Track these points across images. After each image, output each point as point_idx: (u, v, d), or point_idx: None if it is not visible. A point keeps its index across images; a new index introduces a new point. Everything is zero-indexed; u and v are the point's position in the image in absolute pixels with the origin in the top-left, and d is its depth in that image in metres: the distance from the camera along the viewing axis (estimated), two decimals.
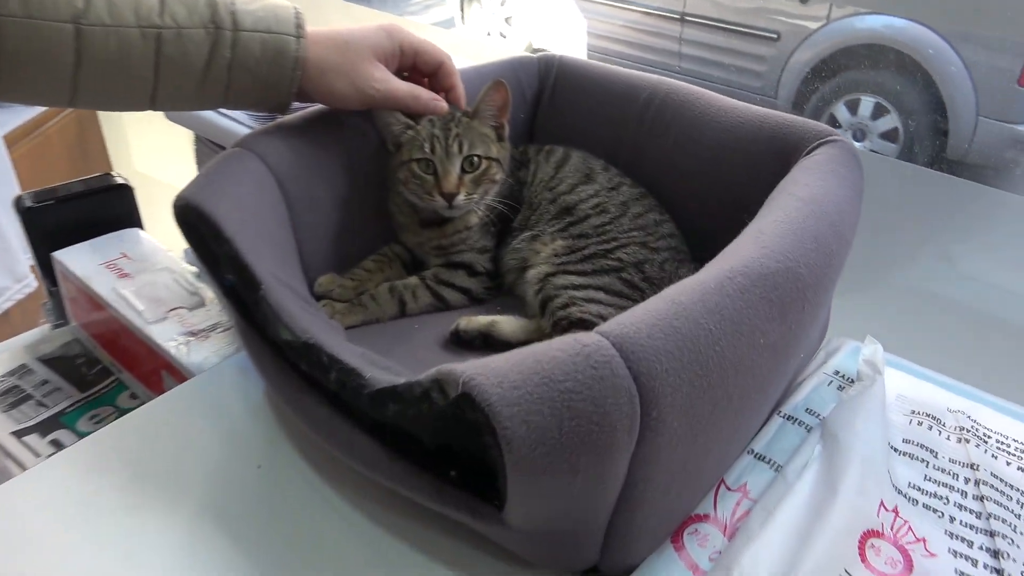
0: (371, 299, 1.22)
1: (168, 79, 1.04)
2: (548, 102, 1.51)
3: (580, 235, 1.23)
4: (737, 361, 0.77)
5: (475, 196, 1.22)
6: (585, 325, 1.10)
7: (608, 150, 1.42)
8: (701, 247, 1.33)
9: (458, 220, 1.28)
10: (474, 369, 0.69)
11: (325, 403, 0.94)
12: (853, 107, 4.23)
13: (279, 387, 0.99)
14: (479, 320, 1.18)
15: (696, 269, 1.27)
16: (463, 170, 1.20)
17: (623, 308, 1.19)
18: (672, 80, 1.37)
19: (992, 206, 1.44)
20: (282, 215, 1.13)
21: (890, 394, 1.09)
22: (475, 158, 1.21)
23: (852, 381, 1.14)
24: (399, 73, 1.23)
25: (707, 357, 0.73)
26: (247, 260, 0.98)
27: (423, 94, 1.21)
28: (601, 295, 1.15)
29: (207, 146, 1.66)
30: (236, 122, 1.57)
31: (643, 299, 1.19)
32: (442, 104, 1.23)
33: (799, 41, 4.42)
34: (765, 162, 1.21)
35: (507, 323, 1.18)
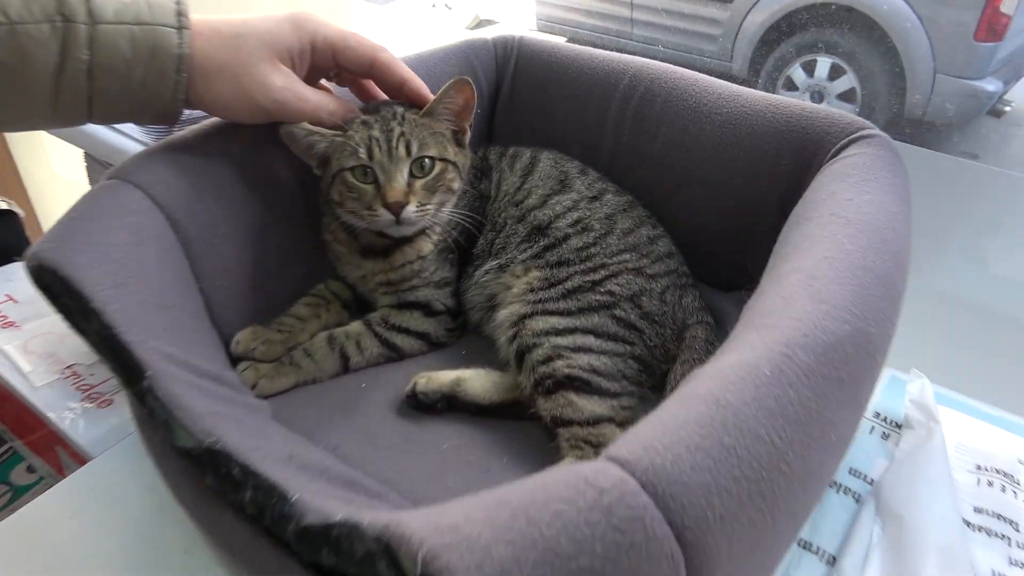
0: (304, 355, 0.98)
1: (2, 91, 0.77)
2: (509, 94, 1.26)
3: (559, 262, 1.00)
4: (806, 475, 0.55)
5: (429, 208, 0.97)
6: (576, 385, 0.87)
7: (585, 151, 1.19)
8: (702, 266, 1.12)
9: (408, 248, 1.03)
10: (438, 535, 0.46)
11: (245, 522, 0.70)
12: (810, 69, 4.13)
13: (185, 499, 0.75)
14: (441, 378, 0.94)
15: (700, 297, 1.04)
16: (412, 175, 0.96)
17: (620, 356, 0.93)
18: (658, 63, 1.14)
19: None
20: (177, 263, 0.87)
21: (948, 443, 0.90)
22: (426, 160, 0.96)
23: (898, 426, 0.95)
24: (316, 76, 0.97)
25: (772, 484, 0.52)
26: (124, 339, 0.73)
27: (340, 108, 0.95)
28: (591, 340, 0.92)
29: (99, 166, 1.36)
30: (127, 137, 1.26)
31: (643, 342, 0.95)
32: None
33: (752, 3, 4.26)
34: (780, 162, 1.00)
35: (475, 380, 0.95)
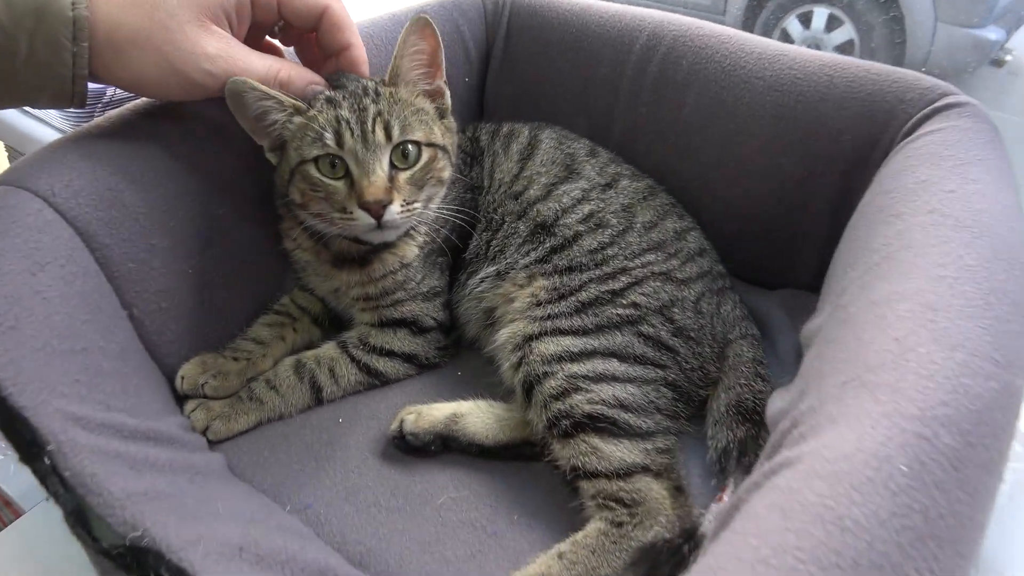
0: (267, 387, 0.80)
1: None
2: (501, 60, 1.06)
3: (569, 268, 0.82)
4: None
5: (416, 206, 0.77)
6: (599, 426, 0.71)
7: (594, 127, 1.00)
8: (739, 260, 0.94)
9: (388, 255, 0.84)
10: None
11: None
12: (806, 20, 3.96)
13: None
14: (433, 415, 0.78)
15: (740, 303, 0.85)
16: (394, 166, 0.76)
17: (651, 383, 0.75)
18: (682, 17, 0.94)
19: None
20: (92, 290, 0.69)
21: None
22: (410, 146, 0.76)
23: None
24: (259, 35, 0.78)
25: None
26: (15, 403, 0.56)
27: (294, 73, 0.76)
28: (614, 365, 0.75)
29: (16, 155, 1.14)
30: (46, 125, 1.04)
31: (677, 364, 0.77)
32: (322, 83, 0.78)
33: None
34: (840, 137, 0.82)
35: (475, 416, 0.78)
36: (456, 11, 1.03)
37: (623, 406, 0.72)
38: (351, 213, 0.74)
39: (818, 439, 0.45)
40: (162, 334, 0.77)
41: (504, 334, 0.81)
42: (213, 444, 0.77)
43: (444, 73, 0.81)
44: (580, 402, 0.72)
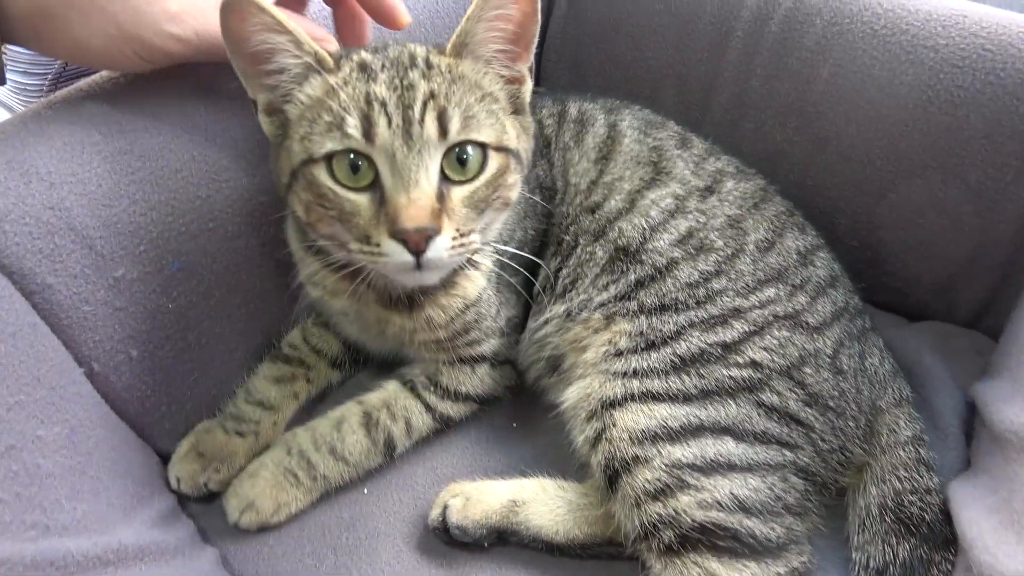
0: (330, 457, 0.63)
1: None
2: (566, 13, 0.83)
3: (662, 306, 0.62)
4: None
5: (474, 239, 0.55)
6: (718, 545, 0.52)
7: (685, 99, 0.79)
8: (875, 282, 0.74)
9: (443, 297, 0.63)
10: None
11: None
12: None
13: None
14: (487, 503, 0.60)
15: (886, 352, 0.65)
16: (445, 177, 0.53)
17: (775, 472, 0.54)
18: None
19: None
20: (31, 350, 0.50)
21: None
22: (471, 149, 0.53)
23: None
24: None
25: None
26: None
27: (304, 30, 0.53)
28: (730, 447, 0.56)
29: None
30: None
31: (811, 444, 0.57)
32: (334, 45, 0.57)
33: None
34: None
35: (541, 504, 0.61)
36: None
37: (744, 508, 0.54)
38: (378, 245, 0.52)
39: None
40: (133, 389, 0.60)
41: (574, 393, 0.62)
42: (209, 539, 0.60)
43: (533, 54, 0.57)
44: (688, 506, 0.53)
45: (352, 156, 0.52)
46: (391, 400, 0.66)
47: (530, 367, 0.70)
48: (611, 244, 0.66)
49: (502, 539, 0.60)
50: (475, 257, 0.61)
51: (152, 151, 0.59)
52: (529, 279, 0.68)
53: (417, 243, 0.51)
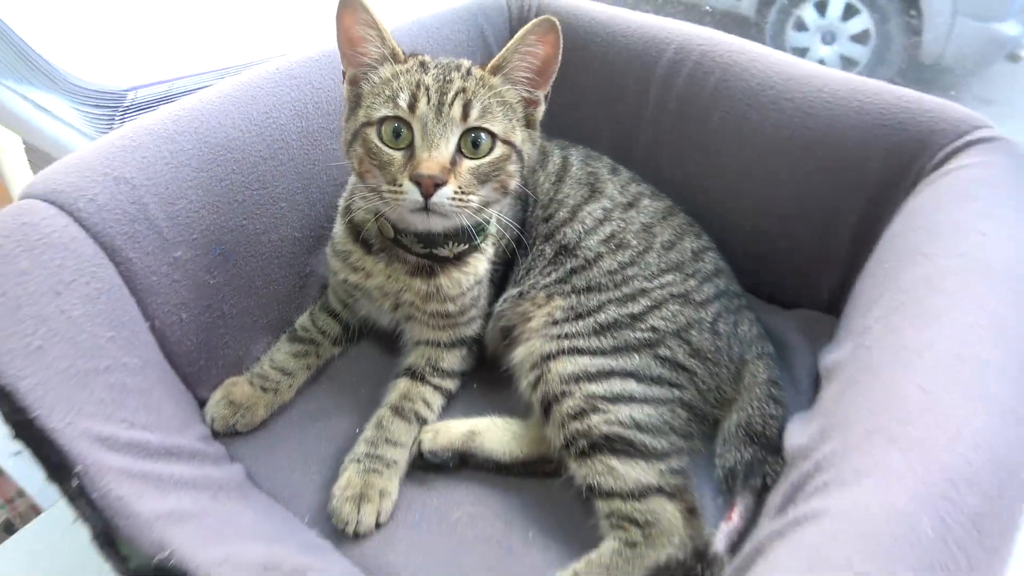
0: (390, 446, 0.77)
1: None
2: None
3: (588, 287, 0.82)
4: None
5: (472, 200, 0.72)
6: (616, 446, 0.71)
7: (618, 139, 1.00)
8: (757, 278, 0.95)
9: (459, 273, 0.81)
10: None
11: None
12: (822, 8, 3.91)
13: None
14: (451, 432, 0.78)
15: (757, 321, 0.84)
16: (460, 151, 0.72)
17: (667, 404, 0.75)
18: (711, 31, 0.93)
19: None
20: (116, 305, 0.69)
21: None
22: (483, 135, 0.72)
23: None
24: None
25: None
26: (45, 424, 0.56)
27: None
28: (632, 386, 0.76)
29: (40, 157, 1.12)
30: (65, 124, 0.99)
31: (693, 385, 0.77)
32: None
33: None
34: (866, 163, 0.81)
35: (492, 433, 0.79)
36: (480, 15, 1.02)
37: (639, 427, 0.73)
38: (400, 185, 0.70)
39: (844, 493, 0.45)
40: (181, 344, 0.78)
41: (521, 352, 0.81)
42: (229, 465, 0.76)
43: (550, 86, 0.77)
44: (598, 423, 0.72)
45: (396, 125, 0.71)
46: (407, 392, 0.83)
47: (490, 339, 0.89)
48: (556, 244, 0.86)
49: (464, 462, 0.78)
50: (485, 243, 0.81)
51: (204, 165, 0.78)
52: (504, 277, 0.88)
53: (428, 187, 0.69)
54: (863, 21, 3.93)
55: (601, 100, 1.00)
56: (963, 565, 0.39)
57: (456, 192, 0.70)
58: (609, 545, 0.69)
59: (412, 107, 0.70)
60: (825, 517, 0.44)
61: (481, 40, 1.00)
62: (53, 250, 0.64)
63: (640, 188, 0.92)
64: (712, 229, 0.92)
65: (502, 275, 0.88)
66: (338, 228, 0.84)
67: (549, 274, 0.84)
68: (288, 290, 0.90)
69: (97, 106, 0.92)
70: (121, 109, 0.91)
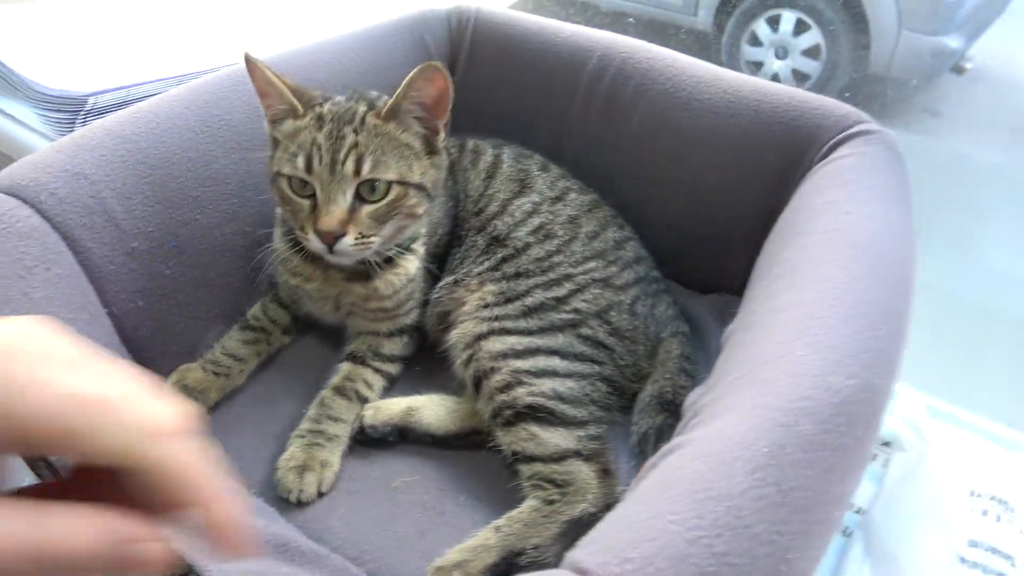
0: (333, 422, 0.82)
1: None
2: (465, 73, 1.13)
3: (517, 274, 0.89)
4: (809, 562, 0.47)
5: (373, 241, 0.80)
6: (538, 415, 0.78)
7: (550, 138, 1.07)
8: (676, 266, 1.03)
9: (391, 274, 0.88)
10: None
11: None
12: (774, 24, 4.06)
13: None
14: (391, 408, 0.85)
15: (674, 304, 0.92)
16: (360, 198, 0.79)
17: (587, 378, 0.82)
18: (631, 40, 1.02)
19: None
20: (75, 291, 0.75)
21: (940, 467, 0.84)
22: (378, 183, 0.79)
23: (885, 444, 0.89)
24: None
25: None
26: None
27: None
28: (556, 362, 0.83)
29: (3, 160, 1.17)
30: (24, 126, 1.04)
31: (612, 361, 0.84)
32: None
33: None
34: (765, 157, 0.90)
35: (429, 408, 0.86)
36: (423, 25, 1.09)
37: (560, 398, 0.80)
38: (307, 234, 0.79)
39: (707, 426, 0.52)
40: (137, 330, 0.83)
41: (456, 334, 0.87)
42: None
43: (448, 114, 0.83)
44: (522, 395, 0.79)
45: (299, 179, 0.79)
46: (348, 373, 0.88)
47: (429, 324, 0.95)
48: (488, 235, 0.93)
49: (403, 437, 0.84)
50: (413, 246, 0.88)
51: (159, 163, 0.84)
52: (440, 267, 0.95)
53: (328, 239, 0.77)
54: (814, 36, 4.09)
55: (535, 102, 1.08)
56: (795, 481, 0.47)
57: (356, 239, 0.78)
58: (529, 503, 0.75)
59: (309, 168, 0.78)
60: (687, 446, 0.51)
61: (424, 50, 1.07)
62: (16, 238, 0.69)
63: (568, 183, 0.99)
64: (635, 220, 1.00)
65: (438, 266, 0.94)
66: (277, 235, 0.91)
67: (482, 263, 0.91)
68: (240, 282, 0.96)
69: (58, 111, 0.98)
70: (82, 113, 0.96)
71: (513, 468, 0.79)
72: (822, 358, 0.53)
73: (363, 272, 0.87)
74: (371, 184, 0.79)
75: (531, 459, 0.77)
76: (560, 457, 0.76)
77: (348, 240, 0.78)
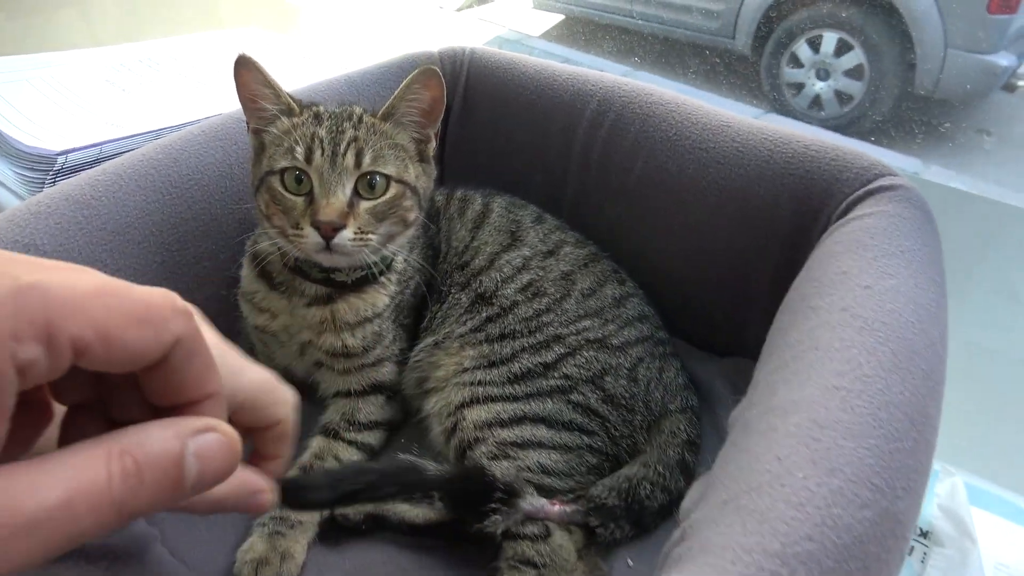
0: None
1: None
2: (459, 117, 1.07)
3: (501, 335, 0.82)
4: None
5: (371, 238, 0.75)
6: (523, 490, 0.70)
7: (547, 187, 1.00)
8: (690, 325, 0.94)
9: (355, 299, 0.82)
10: None
11: None
12: (815, 44, 3.96)
13: None
14: None
15: (684, 371, 0.83)
16: (358, 193, 0.76)
17: (576, 451, 0.75)
18: (633, 82, 0.94)
19: None
20: None
21: (988, 572, 0.73)
22: (378, 178, 0.76)
23: (923, 534, 0.78)
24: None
25: None
26: None
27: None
28: (542, 431, 0.75)
29: None
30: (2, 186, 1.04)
31: (605, 431, 0.77)
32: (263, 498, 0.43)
33: None
34: (778, 210, 0.81)
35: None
36: (413, 69, 1.03)
37: (545, 471, 0.74)
38: (303, 229, 0.74)
39: (687, 569, 0.44)
40: None
41: (435, 401, 0.81)
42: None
43: (439, 124, 0.82)
44: (507, 468, 0.72)
45: (296, 171, 0.75)
46: (318, 450, 0.81)
47: (407, 388, 0.88)
48: (473, 292, 0.86)
49: (378, 525, 0.77)
50: (385, 277, 0.83)
51: (121, 229, 0.79)
52: (416, 322, 0.88)
53: (327, 232, 0.73)
54: (856, 56, 3.98)
55: (531, 149, 1.01)
56: None
57: (356, 233, 0.74)
58: None
59: (308, 159, 0.74)
60: None
61: None
62: None
63: (563, 236, 0.91)
64: (640, 276, 0.91)
65: (413, 320, 0.87)
66: (245, 271, 0.86)
67: (465, 323, 0.84)
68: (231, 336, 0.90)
69: (32, 169, 0.95)
70: (52, 173, 0.93)
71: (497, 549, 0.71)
72: (828, 483, 0.45)
73: (325, 296, 0.82)
74: (370, 181, 0.76)
75: (516, 536, 0.70)
76: (545, 536, 0.70)
77: (347, 234, 0.73)
